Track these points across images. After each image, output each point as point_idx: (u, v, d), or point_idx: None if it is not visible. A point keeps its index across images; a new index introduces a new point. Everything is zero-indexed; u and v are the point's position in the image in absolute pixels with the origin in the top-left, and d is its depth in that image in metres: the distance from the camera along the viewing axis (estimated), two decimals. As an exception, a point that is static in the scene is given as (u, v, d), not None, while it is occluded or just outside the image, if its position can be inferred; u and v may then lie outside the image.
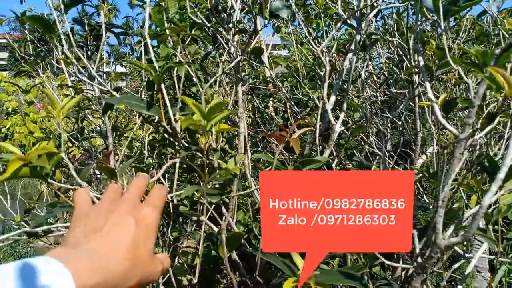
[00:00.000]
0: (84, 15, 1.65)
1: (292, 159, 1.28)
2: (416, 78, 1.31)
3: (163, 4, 1.20)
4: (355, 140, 1.58)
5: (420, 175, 1.30)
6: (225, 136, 1.68)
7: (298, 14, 1.26)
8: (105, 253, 0.33)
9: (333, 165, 1.43)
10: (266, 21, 0.92)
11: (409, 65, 1.27)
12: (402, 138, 1.54)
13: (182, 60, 0.85)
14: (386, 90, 1.51)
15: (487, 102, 0.97)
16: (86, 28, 1.15)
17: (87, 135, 1.25)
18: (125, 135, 1.42)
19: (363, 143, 1.50)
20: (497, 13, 1.21)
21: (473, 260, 0.82)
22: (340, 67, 1.59)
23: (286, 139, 0.79)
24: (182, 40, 0.84)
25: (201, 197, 0.90)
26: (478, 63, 0.64)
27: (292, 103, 1.71)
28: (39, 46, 1.51)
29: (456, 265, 0.78)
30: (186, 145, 0.74)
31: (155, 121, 0.87)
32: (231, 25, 0.92)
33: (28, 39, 1.55)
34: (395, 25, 1.41)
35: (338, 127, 0.87)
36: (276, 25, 1.93)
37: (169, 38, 0.99)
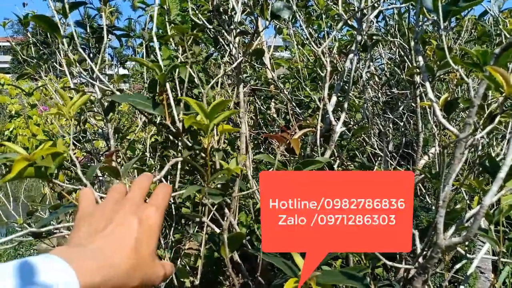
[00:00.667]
0: (87, 18, 1.66)
1: (294, 160, 1.28)
2: (417, 78, 1.31)
3: (165, 6, 1.21)
4: (357, 141, 1.58)
5: (422, 176, 1.30)
6: (226, 138, 1.68)
7: (299, 16, 1.26)
8: (109, 253, 0.33)
9: (335, 166, 1.43)
10: (267, 23, 0.92)
11: (410, 66, 1.27)
12: (404, 139, 1.54)
13: (186, 60, 0.86)
14: (388, 90, 1.51)
15: (488, 102, 0.97)
16: (88, 31, 1.15)
17: (89, 138, 1.25)
18: (127, 137, 1.42)
19: (365, 144, 1.49)
20: (499, 13, 1.21)
21: (475, 261, 0.82)
22: (341, 68, 1.59)
23: (287, 140, 0.79)
24: (184, 40, 0.84)
25: (203, 198, 0.91)
26: (479, 63, 0.64)
27: (294, 104, 1.71)
28: (41, 49, 1.52)
29: (458, 266, 0.78)
30: (190, 144, 0.74)
31: (158, 121, 0.87)
32: (232, 26, 0.92)
33: (31, 42, 1.56)
34: (397, 25, 1.41)
35: (339, 128, 0.87)
36: (277, 26, 1.94)
37: (171, 40, 0.99)
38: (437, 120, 0.63)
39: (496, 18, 1.18)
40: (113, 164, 0.84)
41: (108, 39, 1.16)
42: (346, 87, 1.23)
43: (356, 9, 0.99)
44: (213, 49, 1.50)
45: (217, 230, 0.81)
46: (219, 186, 0.73)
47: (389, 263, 0.70)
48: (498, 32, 1.31)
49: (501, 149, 1.12)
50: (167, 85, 0.81)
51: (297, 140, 0.77)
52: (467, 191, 0.91)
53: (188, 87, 1.79)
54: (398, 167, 1.41)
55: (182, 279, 1.50)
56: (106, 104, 0.99)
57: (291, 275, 0.70)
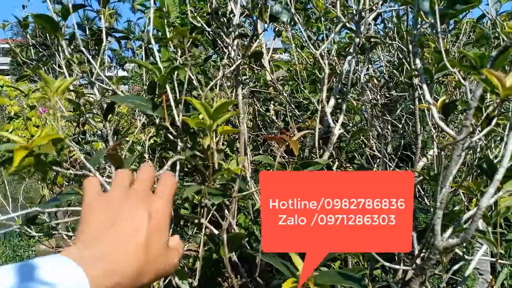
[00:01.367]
0: (86, 20, 1.66)
1: (293, 162, 1.28)
2: (415, 81, 1.31)
3: (164, 9, 1.22)
4: (356, 143, 1.59)
5: (421, 177, 1.30)
6: (225, 139, 1.69)
7: (298, 19, 1.27)
8: (118, 252, 0.33)
9: (334, 167, 1.43)
10: (266, 25, 0.92)
11: (409, 68, 1.28)
12: (402, 141, 1.54)
13: (185, 62, 0.86)
14: (386, 93, 1.51)
15: (486, 104, 0.98)
16: (87, 33, 1.16)
17: (89, 139, 1.25)
18: (127, 139, 1.43)
19: (364, 146, 1.50)
20: (496, 15, 1.21)
21: (473, 262, 0.82)
22: (340, 71, 1.59)
23: (286, 142, 0.79)
24: (183, 43, 0.85)
25: (202, 199, 0.91)
26: (476, 66, 0.64)
27: (293, 106, 1.72)
28: (41, 50, 1.52)
29: (456, 267, 0.78)
30: (189, 145, 0.74)
31: (157, 122, 0.88)
32: (231, 29, 0.93)
33: (30, 44, 1.56)
34: (395, 28, 1.42)
35: (337, 130, 0.88)
36: (277, 29, 1.94)
37: (170, 42, 1.00)
38: (435, 122, 0.64)
39: (494, 21, 1.19)
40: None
41: (108, 41, 1.17)
42: (345, 89, 1.24)
43: (354, 11, 1.00)
44: (212, 51, 1.51)
45: (216, 232, 0.81)
46: (218, 186, 0.73)
47: (387, 264, 0.70)
48: (496, 35, 1.32)
49: (499, 151, 1.12)
50: (167, 86, 0.82)
51: (296, 142, 0.78)
52: (465, 193, 0.92)
53: (187, 89, 1.80)
54: (396, 169, 1.42)
55: (181, 280, 1.51)
56: (105, 105, 1.00)
57: (289, 275, 0.70)
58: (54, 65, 1.48)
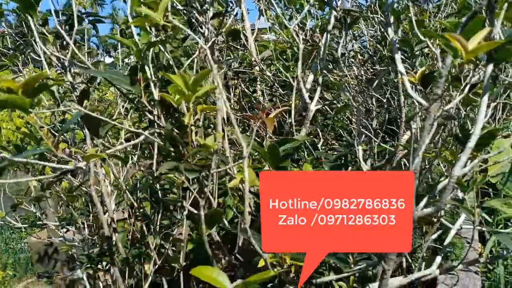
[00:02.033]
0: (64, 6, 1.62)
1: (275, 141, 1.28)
2: (397, 55, 1.30)
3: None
4: (341, 120, 1.58)
5: (405, 151, 1.31)
6: (212, 123, 1.67)
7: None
8: None
9: (319, 145, 1.43)
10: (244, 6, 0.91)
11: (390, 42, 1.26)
12: (387, 115, 1.54)
13: (161, 39, 0.84)
14: (371, 68, 1.50)
15: (465, 73, 0.97)
16: (61, 18, 1.13)
17: (68, 128, 1.24)
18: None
19: (349, 123, 1.50)
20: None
21: (452, 231, 0.83)
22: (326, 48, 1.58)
23: (263, 120, 0.79)
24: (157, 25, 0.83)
25: (183, 183, 0.91)
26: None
27: (277, 85, 1.71)
28: (17, 39, 1.49)
29: (434, 236, 0.79)
30: (163, 123, 0.74)
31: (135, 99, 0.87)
32: (205, 6, 0.91)
33: (7, 32, 1.53)
34: (377, 1, 1.40)
35: (313, 106, 0.87)
36: (261, 8, 1.91)
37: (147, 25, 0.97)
38: (406, 92, 0.63)
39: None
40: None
41: (82, 26, 1.14)
42: (321, 66, 1.22)
43: (331, -16, 0.98)
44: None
45: (195, 212, 0.81)
46: (196, 163, 0.73)
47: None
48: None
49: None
50: (146, 66, 0.80)
51: (271, 119, 0.77)
52: (446, 163, 0.92)
53: (170, 72, 1.77)
54: (382, 144, 1.42)
55: (172, 264, 1.52)
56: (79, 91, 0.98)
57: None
58: (32, 54, 1.45)
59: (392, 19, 0.75)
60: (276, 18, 1.96)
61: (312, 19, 1.66)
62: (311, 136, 1.48)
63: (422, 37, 0.63)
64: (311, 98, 0.89)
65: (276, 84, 1.57)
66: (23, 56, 1.48)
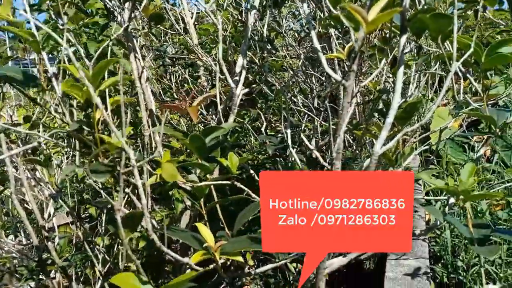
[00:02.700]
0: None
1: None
2: (331, 30, 1.29)
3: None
4: (282, 101, 1.56)
5: (345, 128, 1.31)
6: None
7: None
8: None
9: (262, 128, 1.41)
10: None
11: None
12: (329, 93, 1.54)
13: (63, 27, 0.76)
14: (309, 46, 1.48)
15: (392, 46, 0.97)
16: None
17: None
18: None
19: (290, 103, 1.48)
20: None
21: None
22: (260, 28, 1.54)
23: (185, 109, 0.74)
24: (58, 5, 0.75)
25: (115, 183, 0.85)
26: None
27: (224, 68, 1.65)
28: None
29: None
30: (69, 122, 0.67)
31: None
32: (116, -10, 0.83)
33: None
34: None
35: (239, 91, 0.83)
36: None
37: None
38: (324, 69, 0.61)
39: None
40: None
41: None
42: (268, 47, 1.18)
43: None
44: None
45: (117, 216, 0.76)
46: (106, 163, 0.67)
47: (294, 222, 0.68)
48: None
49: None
50: (44, 55, 0.72)
51: (194, 108, 0.73)
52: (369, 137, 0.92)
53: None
54: (324, 123, 1.42)
55: (126, 264, 1.46)
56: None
57: (198, 247, 0.68)
58: None
59: None
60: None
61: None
62: (255, 121, 1.45)
63: (333, 10, 0.60)
64: (234, 83, 0.85)
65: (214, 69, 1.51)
66: None
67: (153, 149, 0.87)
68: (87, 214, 1.87)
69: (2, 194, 1.53)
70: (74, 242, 1.56)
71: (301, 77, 1.43)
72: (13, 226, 1.70)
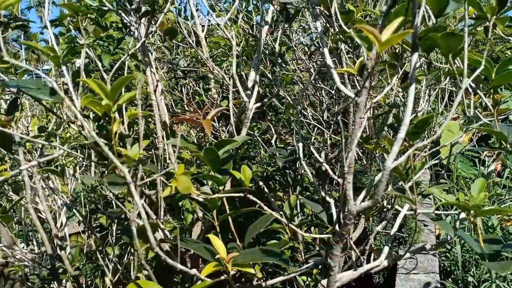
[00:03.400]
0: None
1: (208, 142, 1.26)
2: (342, 45, 1.30)
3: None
4: (294, 114, 1.57)
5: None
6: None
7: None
8: None
9: (272, 141, 1.42)
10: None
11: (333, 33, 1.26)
12: (338, 106, 1.55)
13: (83, 42, 0.79)
14: (319, 60, 1.50)
15: (403, 62, 0.98)
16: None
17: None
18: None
19: (301, 117, 1.49)
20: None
21: (398, 220, 0.84)
22: (272, 42, 1.56)
23: (200, 122, 0.76)
24: (78, 21, 0.78)
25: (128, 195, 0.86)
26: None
27: (238, 83, 1.67)
28: None
29: (379, 228, 0.79)
30: (88, 135, 0.69)
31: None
32: (134, 5, 0.86)
33: None
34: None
35: (251, 105, 0.85)
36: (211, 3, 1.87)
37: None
38: (336, 85, 0.62)
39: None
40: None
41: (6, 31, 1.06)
42: (276, 60, 1.20)
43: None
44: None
45: (132, 226, 0.77)
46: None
47: (305, 234, 0.69)
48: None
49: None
50: (64, 69, 0.75)
51: (208, 121, 0.74)
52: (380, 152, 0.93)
53: (117, 75, 1.70)
54: (334, 136, 1.43)
55: (137, 274, 1.47)
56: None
57: (211, 259, 0.69)
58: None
59: (317, 11, 0.74)
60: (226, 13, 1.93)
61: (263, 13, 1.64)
62: (265, 133, 1.46)
63: (346, 28, 0.61)
64: (248, 97, 0.86)
65: (226, 81, 1.53)
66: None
67: (166, 161, 0.89)
68: (98, 224, 1.88)
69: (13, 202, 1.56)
70: (85, 251, 1.57)
71: (311, 90, 1.44)
72: (25, 234, 1.73)
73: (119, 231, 1.50)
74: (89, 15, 0.78)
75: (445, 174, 2.28)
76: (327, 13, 1.26)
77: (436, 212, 0.97)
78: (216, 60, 2.02)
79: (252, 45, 1.32)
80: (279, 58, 1.29)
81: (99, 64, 0.74)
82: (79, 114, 0.71)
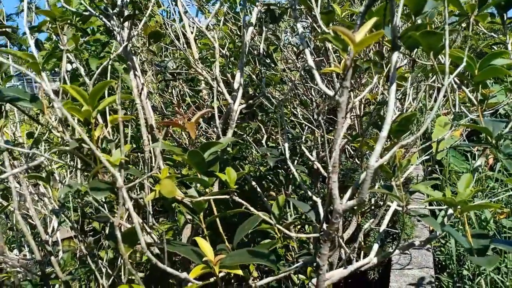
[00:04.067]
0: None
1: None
2: (329, 44, 1.30)
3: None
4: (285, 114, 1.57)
5: (346, 139, 1.32)
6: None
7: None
8: None
9: (263, 140, 1.42)
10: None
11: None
12: (328, 105, 1.55)
13: (62, 48, 0.78)
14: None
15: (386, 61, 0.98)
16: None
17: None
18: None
19: (291, 116, 1.49)
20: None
21: (387, 217, 0.84)
22: (259, 43, 1.56)
23: (184, 125, 0.75)
24: (57, 27, 0.77)
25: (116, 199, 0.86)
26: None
27: (220, 85, 1.67)
28: None
29: (367, 225, 0.79)
30: (69, 140, 0.69)
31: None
32: (115, 10, 0.86)
33: None
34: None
35: (236, 106, 0.85)
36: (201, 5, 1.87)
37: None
38: (316, 85, 0.62)
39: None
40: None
41: None
42: (264, 60, 1.20)
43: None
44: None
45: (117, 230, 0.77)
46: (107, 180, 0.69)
47: (292, 234, 0.69)
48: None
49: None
50: (44, 75, 0.74)
51: (192, 124, 0.74)
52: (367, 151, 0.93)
53: (104, 79, 1.70)
54: (326, 135, 1.42)
55: (129, 277, 1.47)
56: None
57: (198, 262, 0.68)
58: None
59: (297, 13, 0.74)
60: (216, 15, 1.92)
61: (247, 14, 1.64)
62: (256, 133, 1.46)
63: (325, 29, 0.61)
64: (232, 98, 0.86)
65: (219, 84, 1.53)
66: None
67: (154, 163, 0.88)
68: (91, 228, 1.88)
69: (7, 209, 1.55)
70: (78, 256, 1.57)
71: (300, 90, 1.45)
72: (18, 240, 1.72)
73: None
74: (68, 21, 0.78)
75: (437, 169, 2.29)
76: (310, 14, 1.26)
77: (429, 207, 0.97)
78: (206, 62, 2.02)
79: (239, 47, 1.32)
80: (267, 59, 1.29)
81: (82, 70, 0.73)
82: (70, 117, 0.70)
